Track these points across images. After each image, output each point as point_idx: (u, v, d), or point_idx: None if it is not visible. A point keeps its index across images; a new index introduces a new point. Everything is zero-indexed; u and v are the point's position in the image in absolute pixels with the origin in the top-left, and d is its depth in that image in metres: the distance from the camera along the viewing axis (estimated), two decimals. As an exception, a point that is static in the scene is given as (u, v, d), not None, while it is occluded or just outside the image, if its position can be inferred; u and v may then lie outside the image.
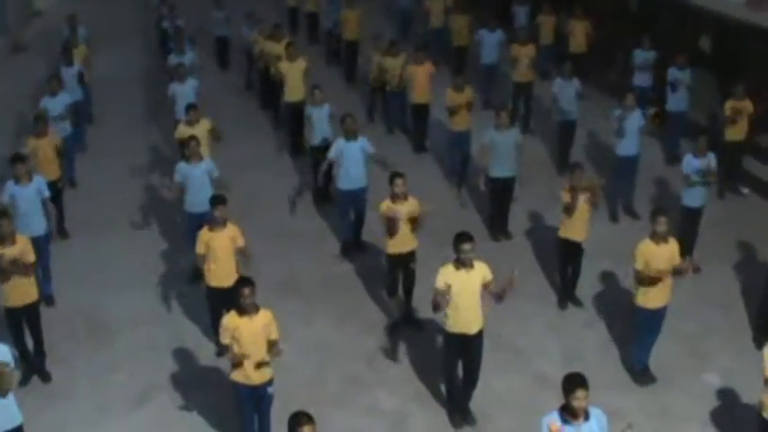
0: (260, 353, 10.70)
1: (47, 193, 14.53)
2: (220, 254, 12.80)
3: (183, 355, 13.67)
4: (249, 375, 10.79)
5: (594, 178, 14.51)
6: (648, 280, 12.26)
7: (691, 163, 15.29)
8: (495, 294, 11.45)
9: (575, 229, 14.24)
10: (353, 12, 25.22)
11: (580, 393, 8.74)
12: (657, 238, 12.28)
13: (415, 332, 14.06)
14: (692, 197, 15.44)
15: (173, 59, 21.26)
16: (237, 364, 10.74)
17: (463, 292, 11.30)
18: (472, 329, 11.52)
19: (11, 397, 10.29)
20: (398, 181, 13.40)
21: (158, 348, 13.79)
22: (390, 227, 13.45)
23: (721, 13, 20.93)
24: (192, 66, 20.83)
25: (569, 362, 13.06)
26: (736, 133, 17.96)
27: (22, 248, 12.47)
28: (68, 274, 15.62)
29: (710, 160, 15.34)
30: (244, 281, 10.71)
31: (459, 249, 11.23)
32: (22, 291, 12.56)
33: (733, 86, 18.10)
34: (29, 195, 14.28)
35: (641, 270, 12.31)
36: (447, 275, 11.30)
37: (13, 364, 10.35)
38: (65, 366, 13.36)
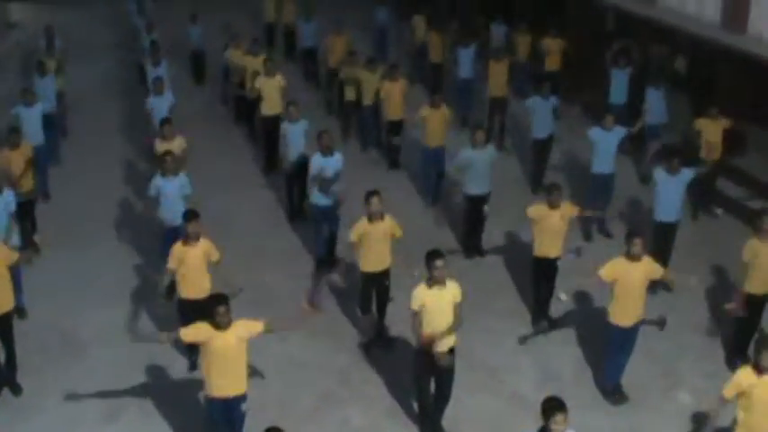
0: (235, 366, 10.71)
1: (13, 207, 14.42)
2: (193, 268, 12.76)
3: (155, 371, 13.59)
4: (222, 388, 10.79)
5: (570, 206, 14.52)
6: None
7: (661, 176, 15.37)
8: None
9: (550, 246, 14.25)
10: (341, 38, 24.48)
11: (559, 417, 8.80)
12: (632, 258, 12.31)
13: (388, 349, 14.04)
14: (666, 211, 15.48)
15: (150, 73, 21.21)
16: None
17: (435, 310, 11.30)
18: (443, 347, 11.50)
19: None
20: (374, 200, 13.36)
21: (131, 363, 13.68)
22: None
23: (697, 33, 21.06)
24: (168, 80, 20.78)
25: (542, 381, 13.08)
26: (709, 153, 18.01)
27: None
28: (41, 287, 15.52)
29: (685, 175, 15.41)
30: (218, 298, 10.68)
31: (432, 266, 11.23)
32: None
33: (707, 108, 18.16)
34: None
35: (604, 278, 12.40)
36: (421, 296, 11.30)
37: None
38: (36, 379, 13.27)
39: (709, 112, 18.00)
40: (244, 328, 10.76)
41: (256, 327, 10.85)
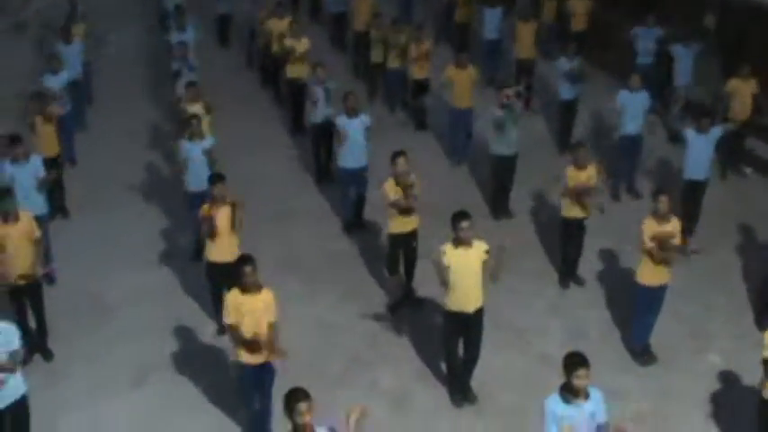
0: (261, 332, 10.67)
1: (42, 173, 14.45)
2: (221, 230, 12.75)
3: (183, 334, 13.65)
4: (248, 355, 10.77)
5: (596, 165, 14.44)
6: (658, 257, 12.22)
7: (691, 135, 15.28)
8: (489, 271, 11.41)
9: (578, 207, 14.18)
10: (365, 1, 24.19)
11: (581, 372, 8.74)
12: (658, 216, 12.24)
13: (416, 310, 14.04)
14: (695, 169, 15.38)
15: (174, 37, 21.17)
16: (240, 344, 10.70)
17: (462, 271, 11.29)
18: (471, 308, 11.52)
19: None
20: (400, 160, 13.32)
21: (159, 327, 13.75)
22: (405, 197, 13.39)
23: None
24: (193, 43, 20.73)
25: (570, 341, 13.03)
26: (739, 113, 17.86)
27: (25, 226, 12.49)
28: (69, 252, 15.59)
29: (715, 133, 15.31)
30: (245, 259, 10.66)
31: (457, 227, 11.22)
32: (25, 269, 12.53)
33: (737, 66, 17.98)
34: (26, 176, 14.23)
35: (650, 247, 12.26)
36: (446, 254, 11.27)
37: (20, 344, 10.39)
38: (65, 344, 13.34)
39: (740, 70, 17.82)
40: (268, 305, 10.71)
41: (272, 315, 10.74)
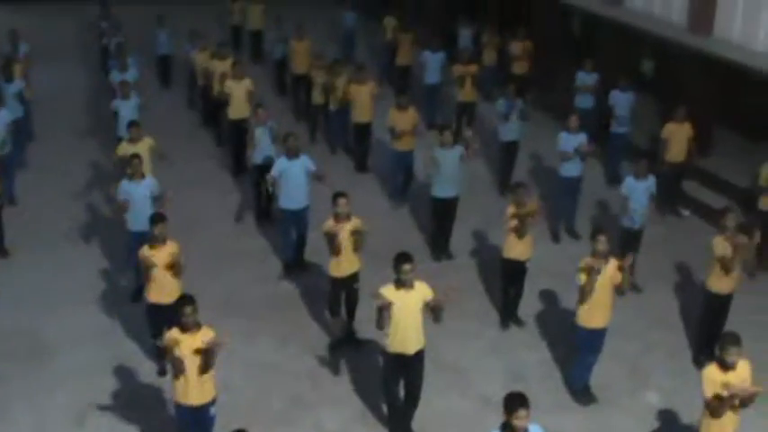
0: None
1: None
2: (160, 271, 12.67)
3: (123, 375, 13.52)
4: (189, 395, 10.70)
5: (536, 201, 14.57)
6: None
7: (631, 185, 15.45)
8: (433, 308, 11.44)
9: (519, 248, 14.30)
10: (302, 43, 24.33)
11: (522, 413, 8.79)
12: (598, 256, 12.35)
13: (358, 351, 14.04)
14: (632, 219, 15.56)
15: (115, 76, 21.14)
16: (178, 372, 10.62)
17: (403, 312, 11.31)
18: (412, 349, 11.53)
19: None
20: (341, 201, 13.38)
21: (98, 368, 13.60)
22: (332, 245, 13.42)
23: (663, 36, 21.21)
24: (135, 83, 20.68)
25: (511, 382, 13.09)
26: (675, 155, 18.14)
27: None
28: (8, 292, 15.45)
29: (651, 182, 15.50)
30: (185, 299, 10.63)
31: (400, 270, 11.24)
32: None
33: (673, 109, 18.28)
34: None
35: (586, 288, 12.35)
36: (387, 294, 11.30)
37: None
38: (3, 386, 13.17)
39: (676, 115, 18.10)
40: (207, 337, 10.63)
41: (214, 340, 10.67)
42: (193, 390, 10.66)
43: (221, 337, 10.57)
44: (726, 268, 13.22)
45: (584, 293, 12.28)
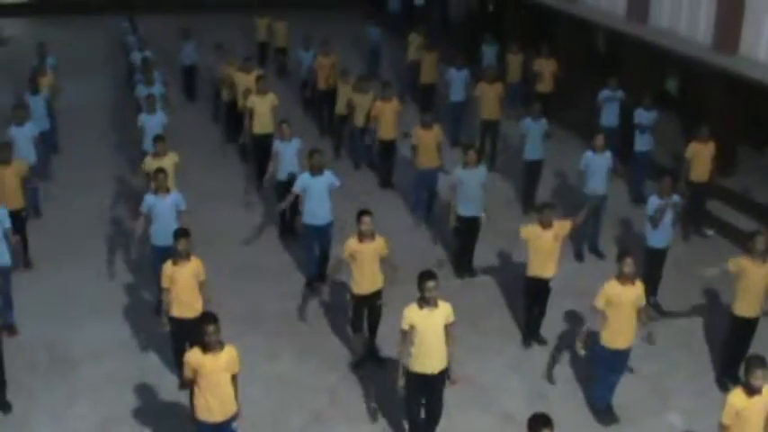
0: (225, 389, 10.64)
1: (8, 225, 14.40)
2: (184, 287, 12.69)
3: (144, 388, 13.55)
4: (212, 411, 10.70)
5: (567, 222, 14.55)
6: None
7: (654, 204, 15.39)
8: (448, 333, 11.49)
9: (543, 266, 14.26)
10: (328, 58, 24.36)
11: (546, 433, 8.78)
12: (623, 278, 12.30)
13: (379, 369, 14.01)
14: (657, 238, 15.50)
15: (141, 91, 21.24)
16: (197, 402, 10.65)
17: (426, 331, 11.29)
18: (434, 369, 11.51)
19: None
20: (365, 219, 13.38)
21: (120, 381, 13.65)
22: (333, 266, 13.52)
23: (688, 55, 21.17)
24: (161, 97, 20.78)
25: (532, 400, 13.07)
26: (700, 175, 18.08)
27: None
28: (31, 304, 15.49)
29: (675, 201, 15.44)
30: (208, 317, 10.60)
31: (423, 287, 11.22)
32: None
33: (697, 129, 18.22)
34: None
35: (601, 308, 12.34)
36: (411, 316, 11.29)
37: None
38: (25, 397, 13.21)
39: (700, 134, 18.04)
40: (230, 362, 10.67)
41: (236, 367, 10.73)
42: (215, 407, 10.68)
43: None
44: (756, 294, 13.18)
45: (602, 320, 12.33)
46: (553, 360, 14.57)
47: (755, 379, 10.18)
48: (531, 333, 14.92)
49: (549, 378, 14.10)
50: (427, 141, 18.60)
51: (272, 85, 22.07)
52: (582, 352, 12.72)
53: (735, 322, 13.60)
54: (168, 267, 12.71)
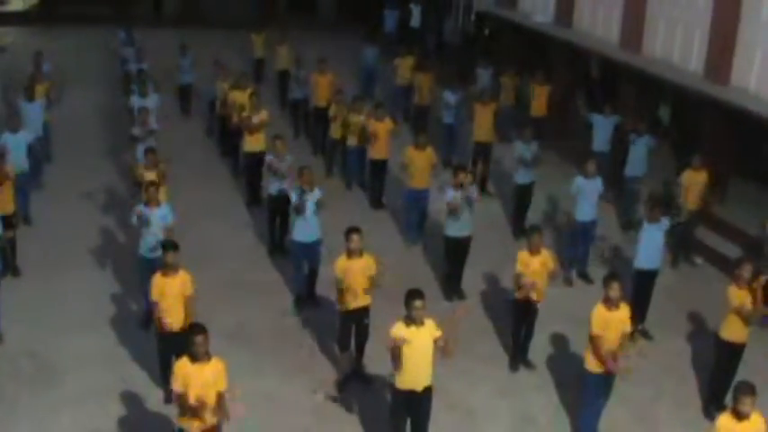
0: (209, 401, 10.60)
1: (1, 231, 14.39)
2: (172, 300, 12.70)
3: (130, 401, 13.49)
4: (193, 424, 10.67)
5: (553, 258, 14.58)
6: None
7: (644, 228, 15.44)
8: (441, 347, 11.42)
9: (531, 290, 14.25)
10: (324, 77, 24.38)
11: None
12: (610, 303, 12.33)
13: (366, 387, 13.98)
14: (646, 260, 15.51)
15: (135, 102, 21.25)
16: (187, 411, 10.62)
17: (413, 349, 11.27)
18: (420, 386, 11.50)
19: None
20: (354, 236, 13.41)
21: (105, 392, 13.59)
22: (340, 292, 13.53)
23: (681, 84, 21.26)
24: (155, 109, 20.78)
25: (520, 425, 13.07)
26: (692, 203, 18.11)
27: None
28: (17, 312, 15.41)
29: (664, 225, 15.47)
30: (197, 328, 10.61)
31: (411, 306, 11.22)
32: None
33: (689, 157, 18.27)
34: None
35: (597, 336, 12.34)
36: (397, 333, 11.28)
37: None
38: (8, 406, 13.16)
39: (692, 161, 18.09)
40: (217, 375, 10.65)
41: (221, 384, 10.68)
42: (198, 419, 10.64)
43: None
44: (744, 320, 13.17)
45: (595, 343, 12.32)
46: (515, 346, 14.68)
47: (744, 405, 10.21)
48: (518, 357, 14.90)
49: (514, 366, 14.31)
50: (420, 162, 18.62)
51: (270, 108, 22.03)
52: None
53: (721, 347, 13.61)
54: (158, 279, 12.70)
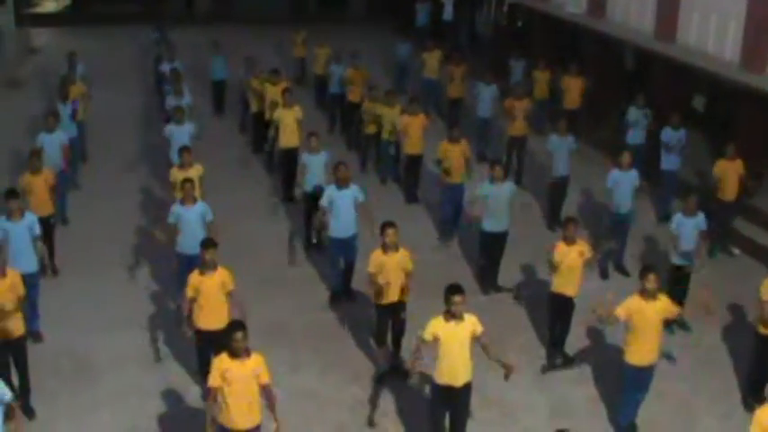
0: (251, 397, 10.69)
1: (38, 232, 14.50)
2: (210, 297, 12.76)
3: (168, 398, 13.59)
4: (235, 421, 10.73)
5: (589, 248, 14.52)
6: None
7: (680, 222, 15.34)
8: (483, 345, 11.44)
9: (567, 283, 14.22)
10: (358, 72, 24.54)
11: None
12: (646, 294, 12.28)
13: (403, 382, 13.99)
14: (682, 256, 15.43)
15: (170, 101, 21.33)
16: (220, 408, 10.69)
17: (451, 344, 11.31)
18: (459, 381, 11.51)
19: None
20: (390, 231, 13.42)
21: (144, 390, 13.70)
22: (376, 287, 13.53)
23: (716, 73, 21.12)
24: (189, 109, 20.84)
25: (557, 418, 13.03)
26: (727, 193, 18.01)
27: (11, 282, 12.48)
28: (57, 311, 15.55)
29: (700, 219, 15.38)
30: (236, 325, 10.68)
31: (450, 301, 11.25)
32: (9, 325, 12.52)
33: (724, 146, 18.17)
34: (20, 232, 14.27)
35: (619, 316, 12.34)
36: (436, 327, 11.31)
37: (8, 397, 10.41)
38: (49, 404, 13.27)
39: (726, 151, 17.99)
40: (257, 369, 10.73)
41: (264, 377, 10.79)
42: (240, 415, 10.71)
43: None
44: None
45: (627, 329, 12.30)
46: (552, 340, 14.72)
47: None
48: (555, 350, 14.87)
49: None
50: (455, 156, 18.61)
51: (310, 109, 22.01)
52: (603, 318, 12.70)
53: (759, 339, 13.51)
54: (194, 277, 12.77)
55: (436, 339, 11.32)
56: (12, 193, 14.52)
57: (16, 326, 12.67)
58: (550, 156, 19.47)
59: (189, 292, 12.80)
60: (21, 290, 12.66)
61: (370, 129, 22.26)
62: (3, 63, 31.50)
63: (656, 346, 12.50)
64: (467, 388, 11.62)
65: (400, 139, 21.04)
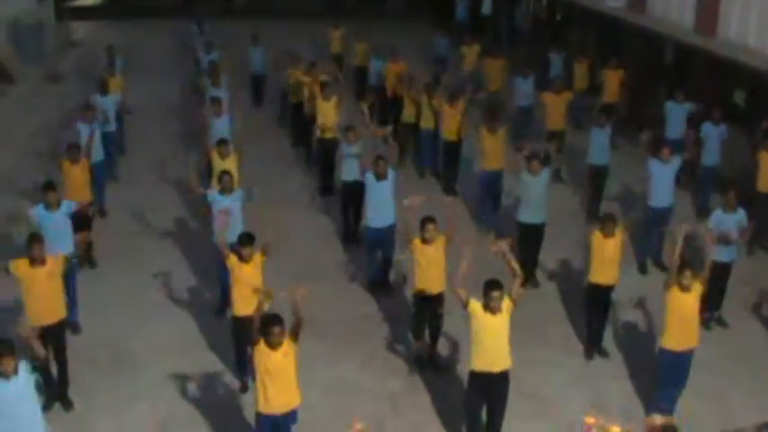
0: (287, 383, 10.84)
1: (72, 209, 14.61)
2: (246, 285, 12.80)
3: (205, 388, 13.63)
4: (272, 405, 10.84)
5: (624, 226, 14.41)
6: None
7: (719, 217, 15.21)
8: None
9: (604, 273, 14.15)
10: (396, 65, 24.56)
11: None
12: (683, 288, 12.25)
13: (440, 376, 13.98)
14: (722, 252, 15.30)
15: (209, 93, 21.38)
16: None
17: (486, 333, 11.37)
18: (496, 367, 11.52)
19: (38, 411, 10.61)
20: (429, 226, 13.42)
21: (181, 380, 13.75)
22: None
23: (756, 67, 20.93)
24: (227, 101, 20.90)
25: (593, 413, 12.94)
26: (766, 186, 17.84)
27: (51, 268, 12.59)
28: (95, 303, 15.64)
29: (741, 215, 15.24)
30: (274, 319, 10.72)
31: (489, 296, 11.26)
32: (50, 309, 12.63)
33: (763, 139, 18.01)
34: (58, 221, 14.40)
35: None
36: (476, 309, 11.42)
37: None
38: (87, 395, 13.35)
39: (766, 142, 17.81)
40: (288, 353, 10.83)
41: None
42: (276, 399, 10.82)
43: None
44: None
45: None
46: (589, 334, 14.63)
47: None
48: (592, 345, 14.80)
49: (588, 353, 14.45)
50: (493, 144, 18.65)
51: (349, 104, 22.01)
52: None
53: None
54: (234, 261, 12.88)
55: (473, 316, 11.41)
56: (49, 186, 14.63)
57: (57, 310, 12.79)
58: (589, 146, 19.40)
59: (229, 265, 12.95)
60: (61, 267, 12.80)
61: (410, 118, 22.19)
62: (43, 57, 31.74)
63: (694, 332, 12.54)
64: (504, 376, 11.61)
65: (440, 128, 21.05)
